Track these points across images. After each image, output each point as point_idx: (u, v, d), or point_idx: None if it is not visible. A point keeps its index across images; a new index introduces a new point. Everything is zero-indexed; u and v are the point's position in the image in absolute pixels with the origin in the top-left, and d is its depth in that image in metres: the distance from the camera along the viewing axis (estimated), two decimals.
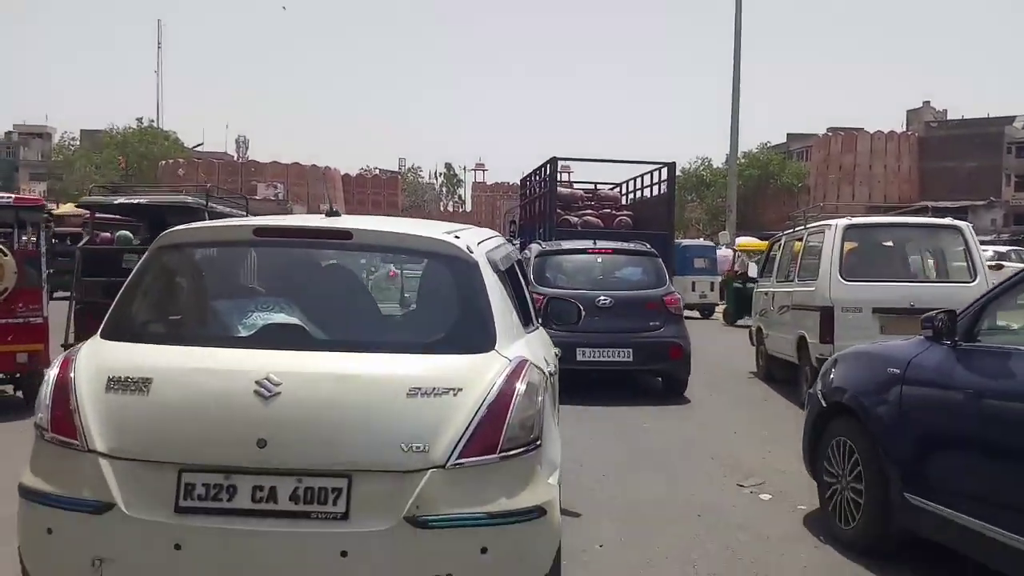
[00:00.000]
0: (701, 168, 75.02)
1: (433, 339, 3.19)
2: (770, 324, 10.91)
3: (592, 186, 20.33)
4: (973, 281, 8.37)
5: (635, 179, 18.50)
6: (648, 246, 10.36)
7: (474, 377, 2.93)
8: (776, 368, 10.74)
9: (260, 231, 3.39)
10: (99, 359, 3.05)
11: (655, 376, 9.98)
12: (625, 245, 10.46)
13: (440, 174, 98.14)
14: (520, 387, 2.94)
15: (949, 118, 76.31)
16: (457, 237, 3.40)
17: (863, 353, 5.07)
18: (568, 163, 23.97)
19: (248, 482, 2.77)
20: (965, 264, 8.75)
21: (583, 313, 4.92)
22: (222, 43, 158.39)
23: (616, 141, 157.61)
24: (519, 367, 3.02)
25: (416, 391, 2.85)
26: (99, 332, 3.24)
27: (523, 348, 3.30)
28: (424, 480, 2.75)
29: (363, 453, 2.79)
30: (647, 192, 17.79)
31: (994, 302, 4.13)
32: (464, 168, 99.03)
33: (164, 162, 65.07)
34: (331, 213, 3.58)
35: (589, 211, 17.55)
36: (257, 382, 2.81)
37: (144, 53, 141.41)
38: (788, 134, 80.00)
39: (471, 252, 3.32)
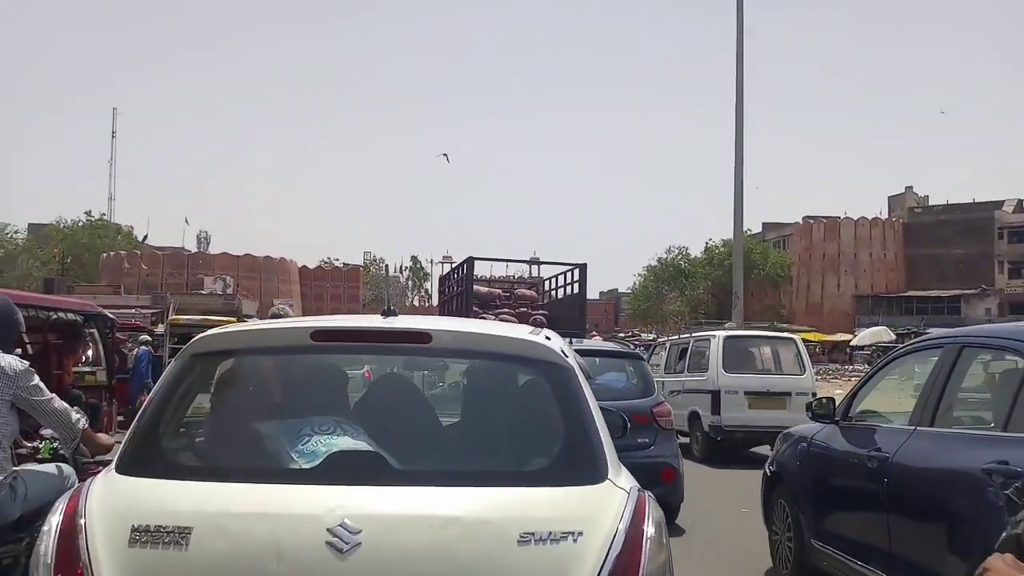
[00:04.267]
0: (678, 258, 71.89)
1: (535, 467, 2.61)
2: None
3: (510, 284, 20.31)
4: (803, 374, 12.96)
5: (552, 279, 18.58)
6: (632, 346, 9.11)
7: (594, 516, 2.31)
8: None
9: (319, 335, 2.73)
10: (118, 501, 2.34)
11: None
12: (606, 346, 9.61)
13: (406, 268, 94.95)
14: (649, 529, 2.35)
15: (932, 203, 74.17)
16: (548, 339, 2.82)
17: (790, 433, 6.40)
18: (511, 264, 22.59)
19: None
20: (798, 362, 13.17)
21: (628, 425, 3.83)
22: (180, 135, 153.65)
23: (592, 231, 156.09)
24: (641, 502, 2.42)
25: (529, 537, 2.21)
26: (114, 464, 2.51)
27: (629, 476, 2.63)
28: None
29: None
30: (563, 292, 17.71)
31: (859, 392, 5.54)
32: (431, 261, 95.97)
33: (105, 255, 61.57)
34: (388, 312, 2.90)
35: (506, 309, 17.32)
36: (330, 530, 2.17)
37: (98, 144, 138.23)
38: (763, 223, 77.89)
39: (566, 356, 2.74)
